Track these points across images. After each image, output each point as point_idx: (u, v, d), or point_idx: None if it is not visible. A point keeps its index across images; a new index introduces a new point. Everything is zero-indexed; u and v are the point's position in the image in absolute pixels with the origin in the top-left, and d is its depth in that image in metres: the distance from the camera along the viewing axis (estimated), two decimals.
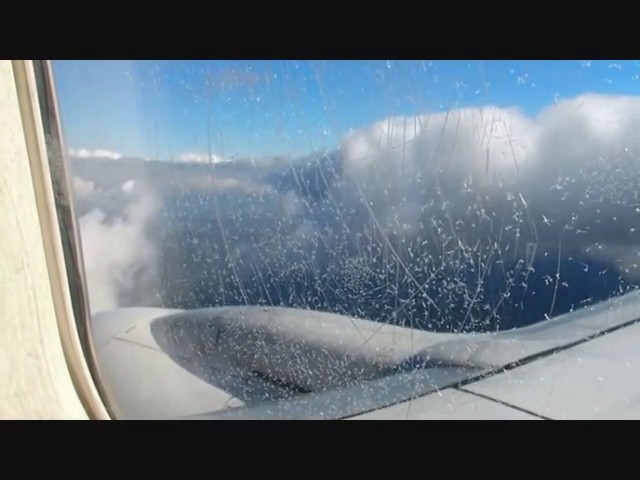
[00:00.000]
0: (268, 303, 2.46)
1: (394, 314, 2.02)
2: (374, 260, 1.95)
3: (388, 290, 1.97)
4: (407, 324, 2.03)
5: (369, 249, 1.93)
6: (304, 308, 2.36)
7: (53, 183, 1.02)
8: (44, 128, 1.01)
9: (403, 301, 1.95)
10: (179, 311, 3.88)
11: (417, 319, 1.97)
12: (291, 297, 2.31)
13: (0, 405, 1.02)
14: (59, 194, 1.04)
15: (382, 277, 1.96)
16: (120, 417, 1.20)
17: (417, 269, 1.84)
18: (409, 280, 1.87)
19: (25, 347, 1.04)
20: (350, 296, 2.16)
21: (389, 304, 2.02)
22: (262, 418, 2.75)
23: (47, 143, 1.01)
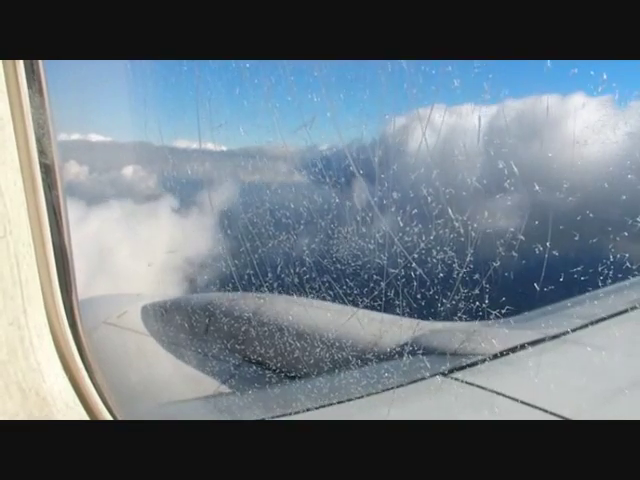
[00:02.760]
0: (256, 276, 2.45)
1: (383, 284, 2.01)
2: (363, 230, 1.94)
3: (377, 260, 1.96)
4: (396, 295, 2.02)
5: (358, 218, 1.91)
6: (292, 279, 2.35)
7: (36, 141, 1.00)
8: (28, 89, 0.99)
9: (392, 271, 1.94)
10: (170, 297, 3.88)
11: (406, 289, 1.96)
12: (279, 268, 2.30)
13: None
14: (41, 152, 1.02)
15: (371, 247, 1.95)
16: (105, 387, 1.18)
17: (406, 238, 1.83)
18: (398, 250, 1.86)
19: (7, 316, 1.02)
20: (339, 266, 2.16)
21: (378, 274, 2.01)
22: (253, 403, 2.76)
23: (30, 91, 0.99)
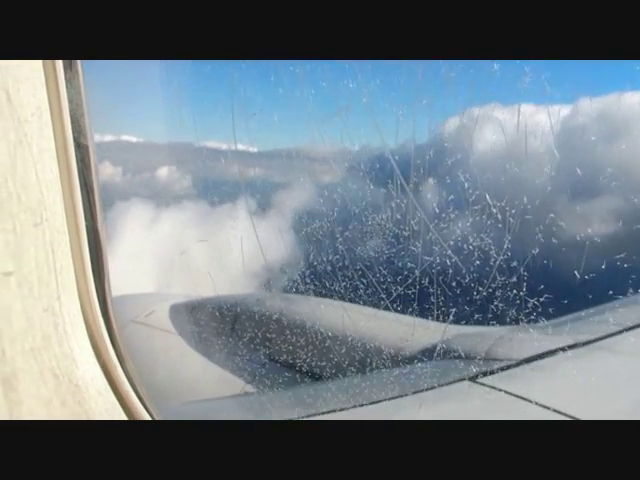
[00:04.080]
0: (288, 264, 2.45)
1: (417, 272, 1.99)
2: (398, 217, 1.92)
3: (412, 247, 1.94)
4: (430, 283, 2.00)
5: (393, 205, 1.89)
6: (324, 268, 2.35)
7: (72, 123, 1.02)
8: (66, 83, 1.01)
9: (427, 259, 1.92)
10: (197, 296, 3.92)
11: (441, 277, 1.94)
12: (311, 256, 2.30)
13: (14, 360, 1.01)
14: (77, 143, 1.04)
15: (406, 234, 1.93)
16: (135, 376, 1.20)
17: (442, 225, 1.81)
18: (433, 237, 1.84)
19: (42, 303, 1.04)
20: (372, 254, 2.14)
21: (412, 262, 1.99)
22: (278, 403, 2.77)
23: (67, 81, 1.01)
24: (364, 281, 2.34)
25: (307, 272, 2.43)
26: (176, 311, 3.97)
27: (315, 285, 2.48)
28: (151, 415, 1.24)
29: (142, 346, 3.64)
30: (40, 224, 1.01)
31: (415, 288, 2.07)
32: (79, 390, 1.13)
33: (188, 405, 2.90)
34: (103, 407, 1.16)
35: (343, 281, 2.39)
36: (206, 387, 3.40)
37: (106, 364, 1.16)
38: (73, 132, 1.03)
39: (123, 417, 1.20)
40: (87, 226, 1.10)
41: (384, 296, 2.31)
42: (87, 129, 1.05)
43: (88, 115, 1.04)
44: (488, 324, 2.28)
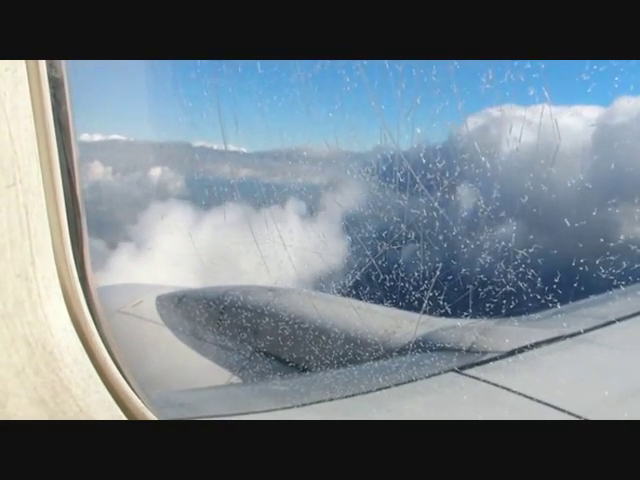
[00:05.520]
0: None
1: (403, 227, 1.95)
2: (383, 169, 1.88)
3: (397, 200, 1.90)
4: (417, 239, 1.97)
5: (378, 156, 1.85)
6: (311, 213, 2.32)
7: (49, 78, 0.97)
8: None
9: (414, 211, 1.88)
10: (185, 287, 3.91)
11: (427, 231, 1.91)
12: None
13: None
14: (54, 98, 0.98)
15: (392, 187, 1.89)
16: (114, 344, 1.17)
17: (429, 176, 1.77)
18: (420, 189, 1.80)
19: (14, 267, 1.00)
20: (357, 209, 2.11)
21: (398, 216, 1.95)
22: (264, 394, 2.76)
23: None
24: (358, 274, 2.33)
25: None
26: (163, 302, 3.95)
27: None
28: (129, 384, 1.21)
29: (128, 337, 3.62)
30: (13, 185, 0.96)
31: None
32: (54, 358, 1.08)
33: (174, 394, 2.88)
34: (79, 376, 1.12)
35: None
36: (192, 377, 3.39)
37: (83, 331, 1.12)
38: (50, 88, 0.99)
39: (100, 386, 1.16)
40: (64, 188, 1.05)
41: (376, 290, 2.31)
42: (65, 85, 1.01)
43: (66, 70, 1.01)
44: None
